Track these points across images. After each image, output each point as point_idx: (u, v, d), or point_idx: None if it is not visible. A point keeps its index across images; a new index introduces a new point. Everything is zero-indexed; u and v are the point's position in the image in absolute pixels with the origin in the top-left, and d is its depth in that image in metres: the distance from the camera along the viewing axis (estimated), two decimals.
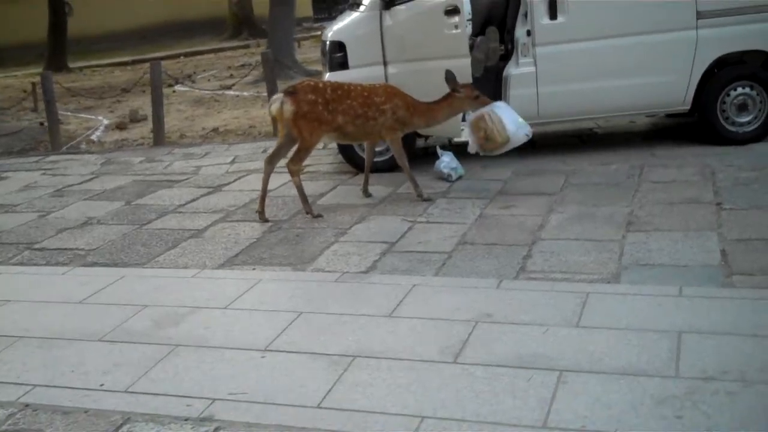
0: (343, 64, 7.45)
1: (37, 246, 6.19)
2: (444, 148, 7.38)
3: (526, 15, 7.25)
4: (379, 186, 7.10)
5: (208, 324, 4.53)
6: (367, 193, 6.81)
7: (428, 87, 7.05)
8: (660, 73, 7.21)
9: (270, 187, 7.04)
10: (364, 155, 7.00)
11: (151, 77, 10.20)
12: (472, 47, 7.36)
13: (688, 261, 4.90)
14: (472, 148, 6.62)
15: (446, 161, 7.16)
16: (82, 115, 13.88)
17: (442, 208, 6.37)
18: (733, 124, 7.41)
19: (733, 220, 5.51)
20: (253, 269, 5.36)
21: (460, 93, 6.49)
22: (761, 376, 3.54)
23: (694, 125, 7.72)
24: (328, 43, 7.60)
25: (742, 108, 7.38)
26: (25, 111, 14.40)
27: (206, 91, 14.67)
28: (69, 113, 14.13)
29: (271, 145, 9.26)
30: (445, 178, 7.12)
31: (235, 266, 5.45)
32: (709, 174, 6.61)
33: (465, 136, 6.61)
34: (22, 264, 5.83)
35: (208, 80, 17.29)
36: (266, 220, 6.32)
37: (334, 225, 6.13)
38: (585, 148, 7.98)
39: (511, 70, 7.38)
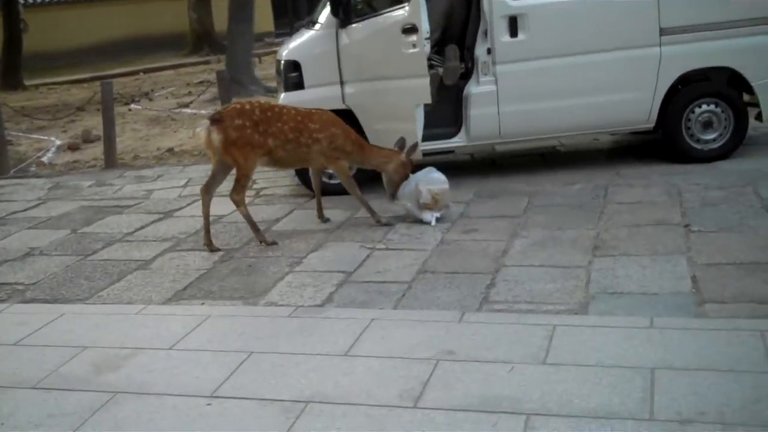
0: (299, 84, 7.20)
1: None
2: None
3: (486, 33, 7.04)
4: (338, 210, 6.83)
5: (151, 367, 4.22)
6: (323, 219, 6.54)
7: (386, 107, 6.84)
8: (623, 90, 7.04)
9: (222, 212, 6.79)
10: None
11: (102, 97, 9.86)
12: (434, 62, 7.14)
13: (658, 288, 4.70)
14: (412, 210, 6.37)
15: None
16: (34, 136, 13.43)
17: (402, 233, 6.12)
18: (698, 141, 7.26)
19: (702, 243, 5.33)
20: (202, 304, 5.06)
21: (405, 159, 6.35)
22: (741, 417, 3.32)
23: (659, 142, 7.56)
24: (282, 62, 7.34)
25: (707, 125, 7.23)
26: None
27: (162, 110, 14.30)
28: (20, 134, 13.67)
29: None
30: (425, 221, 6.85)
31: (183, 301, 5.15)
32: (676, 194, 6.44)
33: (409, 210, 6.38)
34: None
35: (166, 98, 16.90)
36: (216, 249, 6.03)
37: (289, 253, 5.86)
38: (547, 167, 7.79)
39: (472, 89, 7.17)
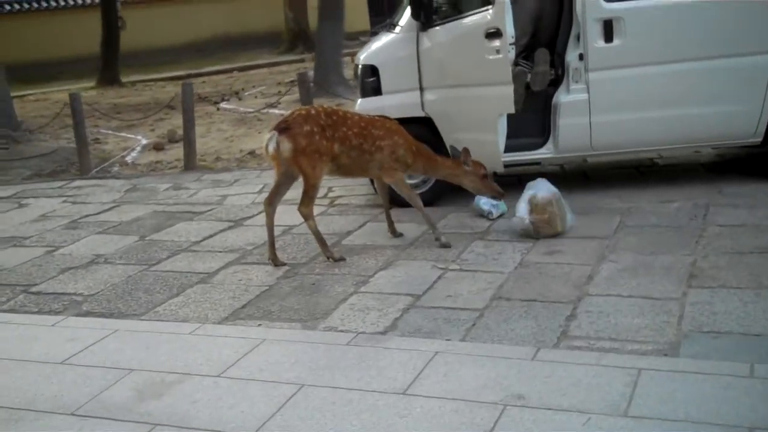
0: (377, 90, 6.86)
1: (34, 289, 5.69)
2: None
3: (578, 37, 6.53)
4: (412, 224, 6.45)
5: (195, 396, 3.93)
6: (395, 233, 6.17)
7: (467, 116, 6.43)
8: (728, 101, 6.42)
9: (292, 222, 6.50)
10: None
11: (183, 98, 9.72)
12: (521, 65, 6.68)
13: (761, 328, 4.16)
14: (520, 224, 5.92)
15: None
16: (122, 134, 13.50)
17: (478, 252, 5.69)
18: None
19: None
20: (259, 325, 4.75)
21: (467, 167, 5.95)
22: None
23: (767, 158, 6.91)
24: (360, 66, 7.00)
25: None
26: (65, 129, 14.07)
27: (250, 110, 14.18)
28: (109, 132, 13.79)
29: None
30: (485, 215, 6.46)
31: (240, 320, 4.85)
32: None
33: (519, 211, 5.91)
34: (13, 311, 5.33)
35: (255, 97, 16.83)
36: (281, 264, 5.75)
37: (356, 271, 5.50)
38: (643, 181, 7.22)
39: (561, 97, 6.67)
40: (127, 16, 24.76)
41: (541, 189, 6.01)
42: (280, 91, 17.01)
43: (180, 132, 12.53)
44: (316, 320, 4.75)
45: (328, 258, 5.72)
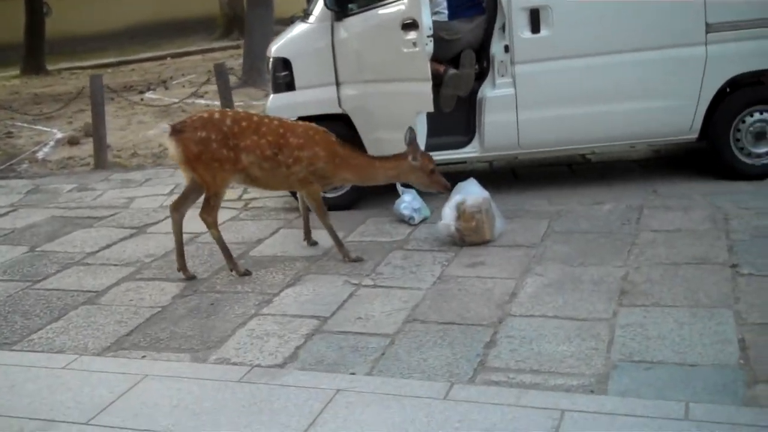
0: (290, 85, 6.34)
1: None
2: (405, 185, 6.20)
3: (503, 28, 6.09)
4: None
5: None
6: (310, 242, 5.67)
7: (384, 114, 5.96)
8: (662, 96, 6.05)
9: (198, 229, 5.95)
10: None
11: (91, 91, 9.05)
12: (442, 77, 6.17)
13: (698, 357, 3.76)
14: (445, 231, 5.46)
15: (407, 201, 6.03)
16: (38, 127, 12.73)
17: (395, 264, 5.23)
18: (749, 155, 6.27)
19: (754, 292, 4.37)
20: (143, 357, 4.23)
21: (415, 162, 5.34)
22: None
23: (703, 154, 6.56)
24: (270, 59, 6.47)
25: (760, 137, 6.23)
26: None
27: (175, 100, 13.50)
28: (25, 124, 12.98)
29: None
30: (406, 220, 5.99)
31: (123, 350, 4.32)
32: (722, 220, 5.46)
33: (445, 216, 5.44)
34: None
35: (183, 86, 16.10)
36: (192, 277, 5.24)
37: (261, 288, 5.00)
38: (575, 180, 6.83)
39: (487, 91, 6.22)
40: (53, 2, 23.72)
41: (470, 193, 5.56)
42: (209, 79, 16.35)
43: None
44: (208, 350, 4.24)
45: (232, 271, 5.21)
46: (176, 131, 5.06)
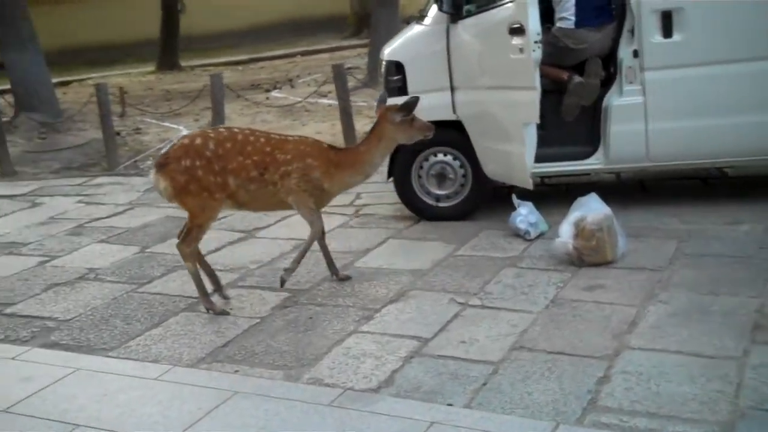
0: (402, 89, 6.10)
1: (9, 310, 5.12)
2: (522, 197, 5.87)
3: (632, 31, 5.67)
4: (439, 242, 5.72)
5: None
6: (339, 276, 5.18)
7: (492, 123, 5.69)
8: None
9: (300, 235, 5.82)
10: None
11: (212, 90, 9.11)
12: (566, 85, 5.82)
13: None
14: (562, 249, 5.12)
15: (524, 214, 5.69)
16: (166, 123, 12.97)
17: (506, 283, 4.92)
18: None
19: None
20: (236, 371, 4.08)
21: (395, 119, 4.87)
22: None
23: None
24: (383, 63, 6.25)
25: None
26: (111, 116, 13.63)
27: (299, 99, 13.52)
28: (153, 120, 13.27)
29: None
30: (521, 235, 5.66)
31: (216, 363, 4.18)
32: None
33: (563, 234, 5.12)
34: None
35: (308, 85, 16.14)
36: (223, 313, 4.79)
37: (362, 303, 4.79)
38: (709, 197, 6.31)
39: (613, 99, 5.82)
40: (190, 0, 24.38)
41: (591, 209, 5.20)
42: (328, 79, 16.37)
43: (227, 122, 11.98)
44: (302, 368, 4.05)
45: (207, 310, 4.83)
46: (160, 165, 4.75)
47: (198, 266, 4.90)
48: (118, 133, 11.74)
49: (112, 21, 24.99)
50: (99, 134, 11.60)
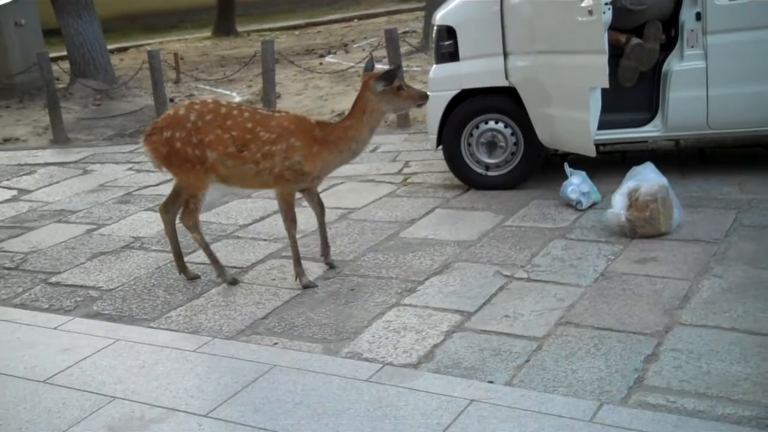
0: (453, 55, 5.95)
1: (54, 279, 5.14)
2: (574, 166, 5.69)
3: None
4: (487, 213, 5.59)
5: None
6: (328, 260, 4.94)
7: (554, 88, 5.47)
8: None
9: (353, 205, 5.74)
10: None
11: (263, 57, 9.01)
12: (623, 48, 5.60)
13: None
14: (614, 220, 4.94)
15: (575, 183, 5.51)
16: (219, 90, 12.97)
17: (555, 255, 4.77)
18: None
19: None
20: (275, 344, 4.02)
21: (379, 88, 4.48)
22: None
23: None
24: (434, 27, 6.08)
25: None
26: (166, 82, 13.67)
27: (352, 64, 13.38)
28: (207, 87, 13.27)
29: (388, 140, 7.96)
30: (573, 205, 5.49)
31: (256, 335, 4.13)
32: None
33: (615, 204, 4.93)
34: (22, 306, 4.78)
35: (363, 50, 15.98)
36: (195, 277, 4.90)
37: (406, 274, 4.69)
38: None
39: (673, 64, 5.59)
40: None
41: (646, 179, 5.00)
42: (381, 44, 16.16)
43: (278, 88, 11.91)
44: (341, 341, 3.97)
45: (218, 277, 4.81)
46: (147, 134, 4.71)
47: (174, 236, 4.94)
48: (171, 100, 11.79)
49: None
50: (152, 101, 11.66)
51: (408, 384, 3.51)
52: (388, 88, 4.50)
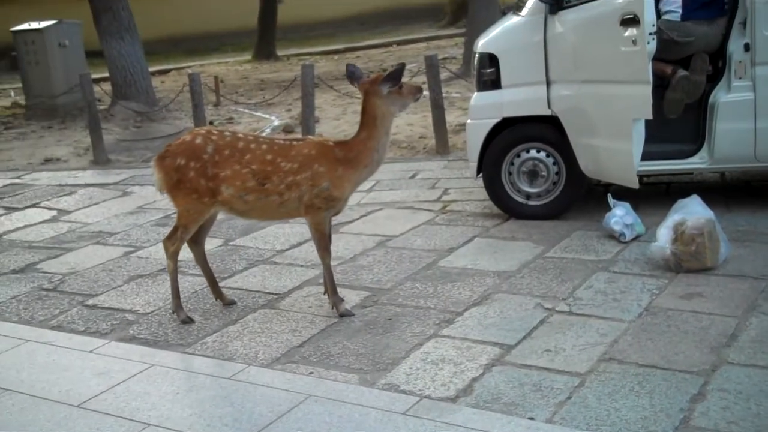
0: (495, 83, 5.89)
1: (91, 301, 5.13)
2: (618, 197, 5.59)
3: (744, 24, 5.32)
4: (528, 243, 5.49)
5: None
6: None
7: (598, 118, 5.39)
8: None
9: (392, 233, 5.70)
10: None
11: (302, 81, 9.03)
12: (669, 79, 5.51)
13: None
14: (659, 254, 4.84)
15: (619, 215, 5.41)
16: (258, 113, 13.03)
17: (597, 289, 4.66)
18: None
19: None
20: (311, 373, 3.96)
21: (385, 91, 4.42)
22: None
23: None
24: (476, 55, 6.04)
25: None
26: (206, 105, 13.76)
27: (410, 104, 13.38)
28: (246, 110, 13.34)
29: (427, 167, 7.92)
30: (616, 236, 5.38)
31: (291, 364, 4.07)
32: None
33: (660, 238, 4.84)
34: (58, 327, 4.77)
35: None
36: (231, 302, 4.87)
37: (444, 305, 4.61)
38: None
39: (720, 95, 5.49)
40: None
41: (692, 213, 4.89)
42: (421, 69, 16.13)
43: (316, 113, 11.93)
44: (378, 372, 3.90)
45: (173, 313, 4.73)
46: (160, 157, 4.62)
47: (197, 266, 4.93)
48: (211, 122, 11.88)
49: (212, 10, 25.40)
50: (192, 123, 11.73)
51: (446, 419, 3.42)
52: (393, 89, 4.45)
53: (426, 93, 11.63)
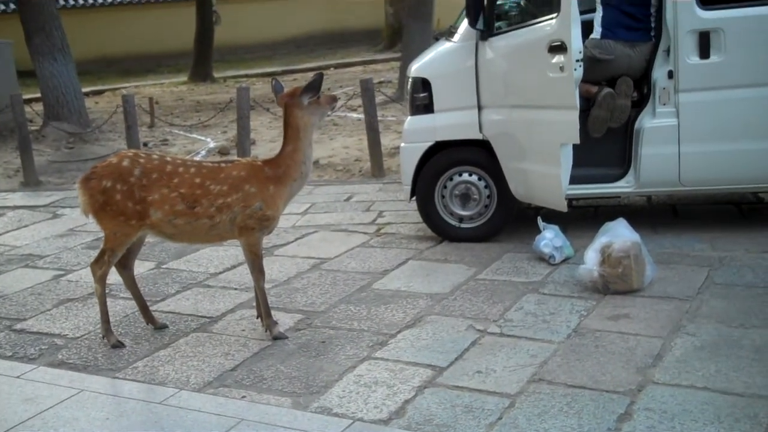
0: (428, 107, 5.96)
1: (19, 326, 5.03)
2: (547, 220, 5.71)
3: (668, 51, 5.49)
4: (460, 265, 5.56)
5: None
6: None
7: (525, 143, 5.50)
8: None
9: (327, 254, 5.71)
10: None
11: (237, 103, 9.01)
12: (594, 97, 5.65)
13: None
14: (587, 276, 4.94)
15: (549, 238, 5.52)
16: (194, 135, 12.94)
17: (527, 310, 4.74)
18: None
19: None
20: (243, 397, 3.94)
21: (307, 104, 4.44)
22: None
23: None
24: (410, 79, 6.12)
25: None
26: (141, 127, 13.62)
27: (328, 113, 13.43)
28: (181, 132, 13.24)
29: (362, 189, 7.95)
30: (546, 259, 5.48)
31: (224, 388, 4.05)
32: None
33: (588, 260, 4.95)
34: None
35: (339, 98, 16.07)
36: (163, 326, 4.83)
37: (378, 327, 4.64)
38: (744, 223, 6.12)
39: (645, 121, 5.64)
40: (223, 11, 24.44)
41: (619, 236, 5.01)
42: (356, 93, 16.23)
43: (252, 135, 11.89)
44: (311, 395, 3.90)
45: (103, 338, 4.68)
46: (85, 179, 4.54)
47: (128, 290, 4.90)
48: (145, 144, 11.77)
49: (148, 31, 25.22)
50: (125, 145, 11.60)
51: None
52: (313, 99, 4.48)
53: (361, 116, 11.72)
